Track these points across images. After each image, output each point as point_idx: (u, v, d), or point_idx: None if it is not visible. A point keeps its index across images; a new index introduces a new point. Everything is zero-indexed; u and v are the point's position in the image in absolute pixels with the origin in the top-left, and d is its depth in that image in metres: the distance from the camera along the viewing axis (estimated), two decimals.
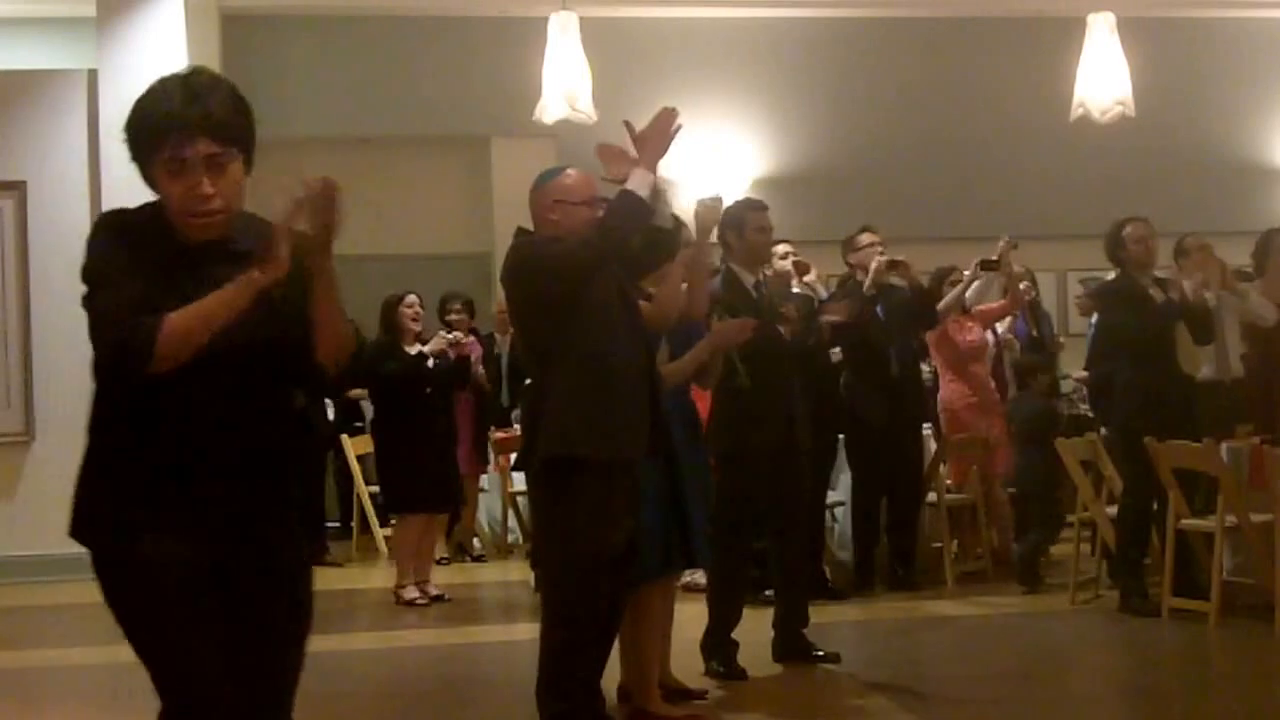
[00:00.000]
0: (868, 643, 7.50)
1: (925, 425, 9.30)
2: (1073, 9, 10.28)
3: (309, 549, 3.27)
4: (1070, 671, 6.99)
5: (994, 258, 9.21)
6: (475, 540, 11.01)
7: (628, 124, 5.08)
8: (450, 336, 9.17)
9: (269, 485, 3.09)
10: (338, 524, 11.78)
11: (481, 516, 11.24)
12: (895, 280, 8.43)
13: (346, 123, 12.20)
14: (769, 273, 7.37)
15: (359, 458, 10.95)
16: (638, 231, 5.05)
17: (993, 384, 9.52)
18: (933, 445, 9.18)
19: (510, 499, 10.70)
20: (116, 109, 9.60)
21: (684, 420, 5.88)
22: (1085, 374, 9.72)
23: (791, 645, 6.79)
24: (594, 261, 5.00)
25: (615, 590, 5.17)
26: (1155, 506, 7.76)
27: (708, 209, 5.89)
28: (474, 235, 12.64)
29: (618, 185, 5.02)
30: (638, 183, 4.96)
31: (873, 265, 8.38)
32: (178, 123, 2.92)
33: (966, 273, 9.26)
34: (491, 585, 10.01)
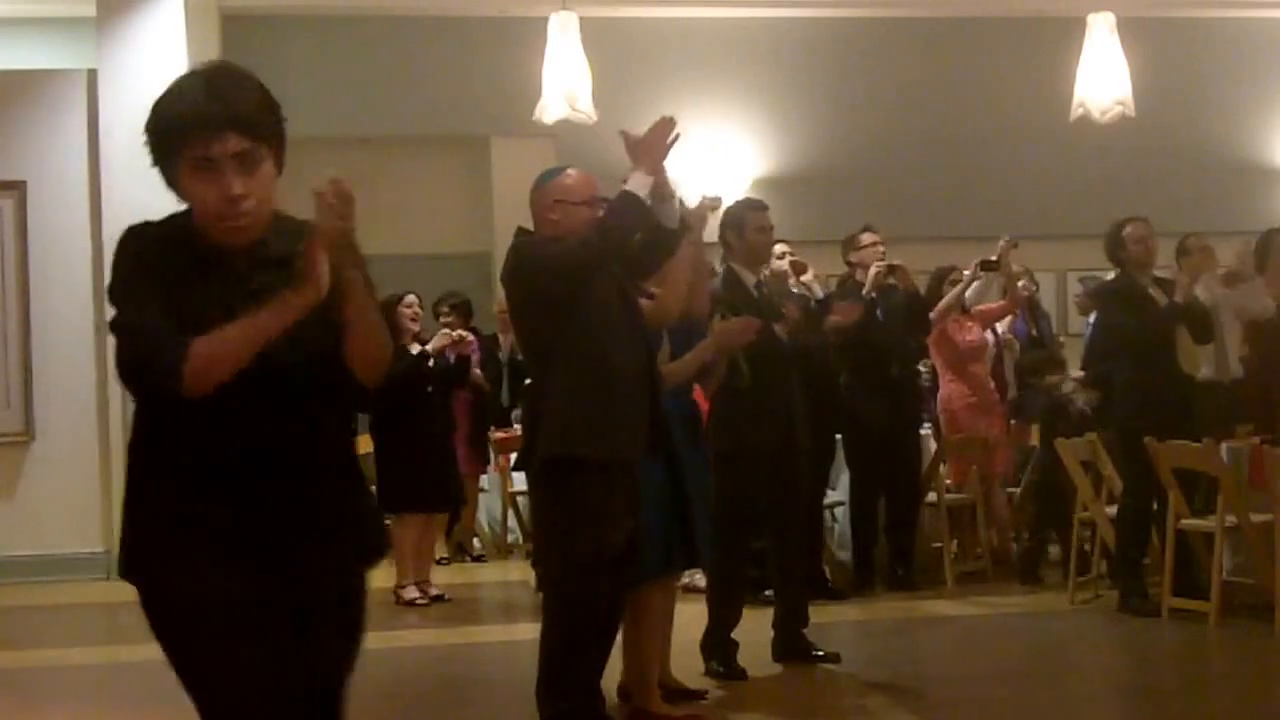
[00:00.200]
0: (867, 642, 7.50)
1: (925, 425, 9.31)
2: (1073, 9, 10.29)
3: (366, 565, 3.06)
4: (1070, 671, 6.99)
5: (994, 258, 9.22)
6: (475, 540, 11.02)
7: (624, 133, 5.08)
8: (454, 335, 9.16)
9: (320, 507, 2.89)
10: None
11: (481, 516, 11.25)
12: (893, 282, 8.47)
13: (346, 123, 12.18)
14: (766, 273, 7.37)
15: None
16: (638, 231, 5.05)
17: (992, 384, 9.52)
18: (933, 445, 9.18)
19: (510, 499, 10.70)
20: (116, 109, 9.81)
21: (685, 420, 5.88)
22: (1081, 374, 9.68)
23: (791, 645, 6.78)
24: (594, 261, 5.01)
25: (615, 590, 5.17)
26: (1155, 506, 7.76)
27: (697, 213, 5.86)
28: (474, 235, 12.64)
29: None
30: (636, 184, 4.97)
31: (871, 270, 8.41)
32: (204, 119, 2.73)
33: (966, 272, 9.27)
34: (491, 585, 10.02)
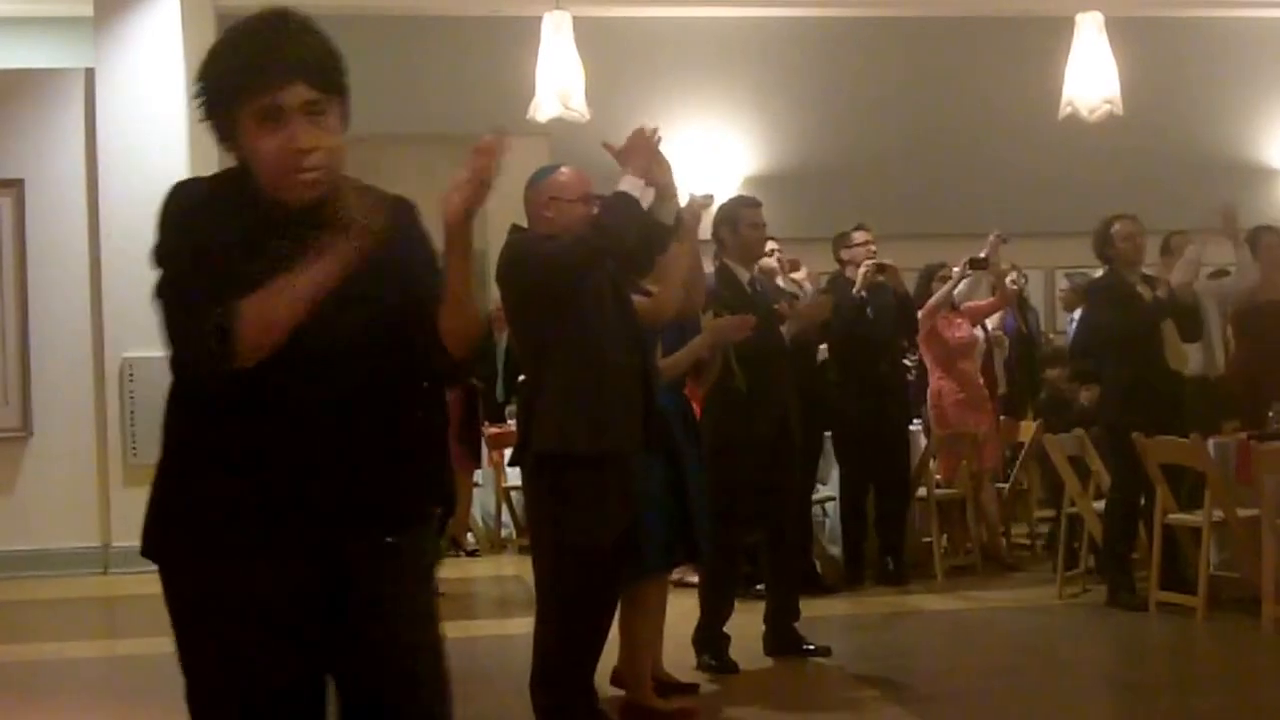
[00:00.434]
0: (857, 636, 7.55)
1: (915, 421, 9.35)
2: (1061, 8, 10.33)
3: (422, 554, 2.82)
4: (1058, 665, 7.02)
5: (983, 255, 9.27)
6: (469, 535, 11.06)
7: (607, 145, 5.12)
8: None
9: (383, 497, 2.66)
10: None
11: (475, 511, 11.29)
12: (883, 280, 8.53)
13: None
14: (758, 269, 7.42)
15: None
16: (632, 228, 5.09)
17: (981, 380, 9.57)
18: (922, 441, 9.23)
19: (504, 494, 10.75)
20: (113, 107, 9.84)
21: (679, 416, 5.92)
22: (1057, 372, 9.69)
23: (782, 639, 6.83)
24: (589, 258, 5.03)
25: (610, 585, 5.20)
26: (1143, 501, 7.81)
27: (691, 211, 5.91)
28: None
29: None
30: (628, 186, 5.00)
31: (861, 270, 8.47)
32: (272, 66, 2.53)
33: (955, 269, 9.33)
34: (485, 580, 10.04)
